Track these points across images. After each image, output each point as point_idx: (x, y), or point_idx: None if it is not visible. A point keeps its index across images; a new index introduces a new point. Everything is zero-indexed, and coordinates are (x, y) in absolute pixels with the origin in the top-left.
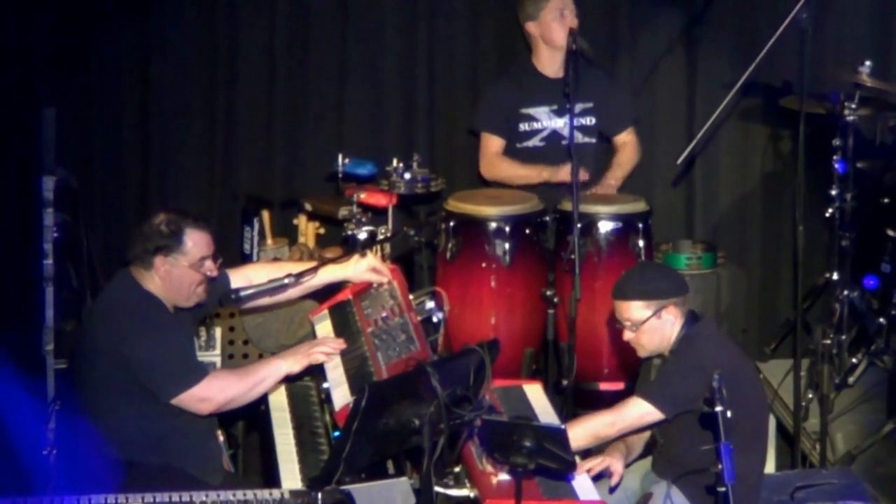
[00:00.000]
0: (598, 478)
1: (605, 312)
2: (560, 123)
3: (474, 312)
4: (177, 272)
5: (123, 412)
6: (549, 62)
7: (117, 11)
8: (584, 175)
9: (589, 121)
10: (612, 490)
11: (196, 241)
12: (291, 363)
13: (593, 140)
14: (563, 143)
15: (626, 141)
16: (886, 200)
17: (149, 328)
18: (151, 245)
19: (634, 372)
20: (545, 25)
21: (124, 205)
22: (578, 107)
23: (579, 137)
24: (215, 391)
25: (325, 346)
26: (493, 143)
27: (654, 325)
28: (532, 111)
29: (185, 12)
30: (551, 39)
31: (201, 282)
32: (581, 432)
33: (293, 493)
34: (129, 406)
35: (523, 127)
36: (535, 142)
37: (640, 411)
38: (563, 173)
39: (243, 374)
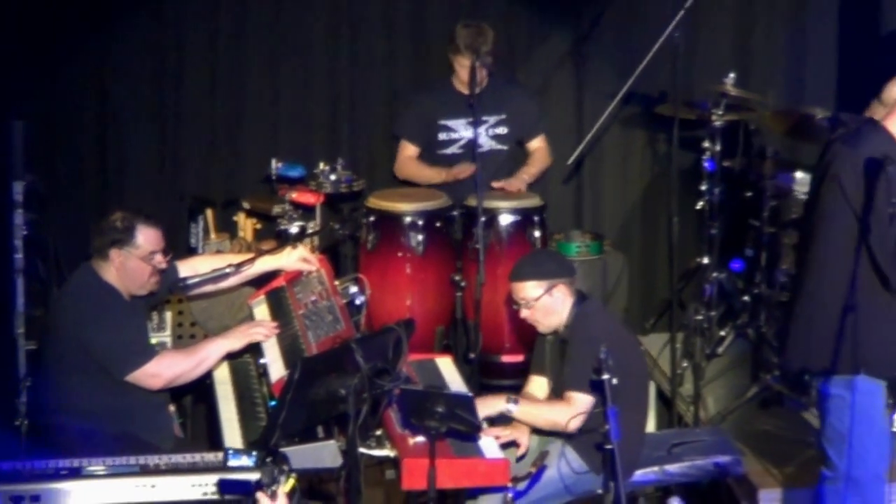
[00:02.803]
0: (506, 448)
1: (506, 294)
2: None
3: (392, 296)
4: (130, 263)
5: (85, 388)
6: (466, 82)
7: (77, 34)
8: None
9: (502, 130)
10: (519, 459)
11: (147, 237)
12: (232, 341)
13: (506, 147)
14: (479, 150)
15: (538, 147)
16: (749, 194)
17: (105, 315)
18: (108, 239)
19: (532, 346)
20: (460, 65)
21: (85, 205)
22: (493, 118)
23: (493, 145)
24: (164, 368)
25: (262, 329)
26: (408, 149)
27: (546, 303)
28: (450, 123)
29: (137, 34)
30: (461, 77)
31: (153, 273)
32: (539, 413)
33: None
34: (90, 382)
35: (442, 136)
36: (453, 149)
37: (585, 402)
38: (456, 171)
39: (189, 353)
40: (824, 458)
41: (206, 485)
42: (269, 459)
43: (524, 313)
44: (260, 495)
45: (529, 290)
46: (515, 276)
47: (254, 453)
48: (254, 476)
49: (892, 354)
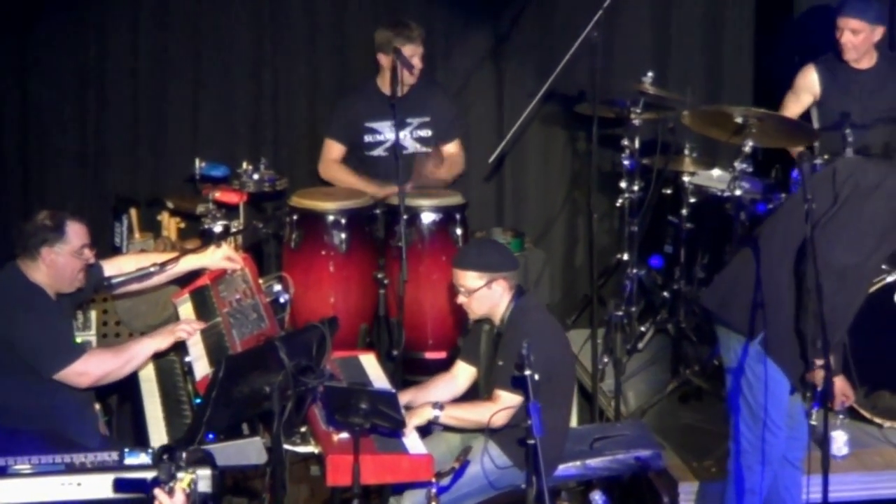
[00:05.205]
0: (427, 433)
1: (429, 291)
2: (399, 136)
3: (316, 294)
4: (61, 260)
5: (10, 387)
6: (401, 70)
7: None
8: (408, 188)
9: (425, 132)
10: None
11: (76, 231)
12: (159, 341)
13: (429, 149)
14: (404, 152)
15: (453, 153)
16: (668, 191)
17: (32, 314)
18: (38, 238)
19: (455, 343)
20: (409, 52)
21: (8, 206)
22: (416, 120)
23: (417, 147)
24: (92, 366)
25: (187, 326)
26: (333, 149)
27: (484, 294)
28: (375, 125)
29: (59, 33)
30: (384, 79)
31: (82, 268)
32: (464, 416)
33: None
34: (16, 381)
35: (368, 138)
36: (378, 151)
37: (512, 400)
38: (386, 191)
39: (117, 352)
40: (733, 429)
41: None
42: (165, 456)
43: (461, 299)
44: (157, 492)
45: (470, 279)
46: (458, 264)
47: (150, 450)
48: (150, 474)
49: (795, 350)
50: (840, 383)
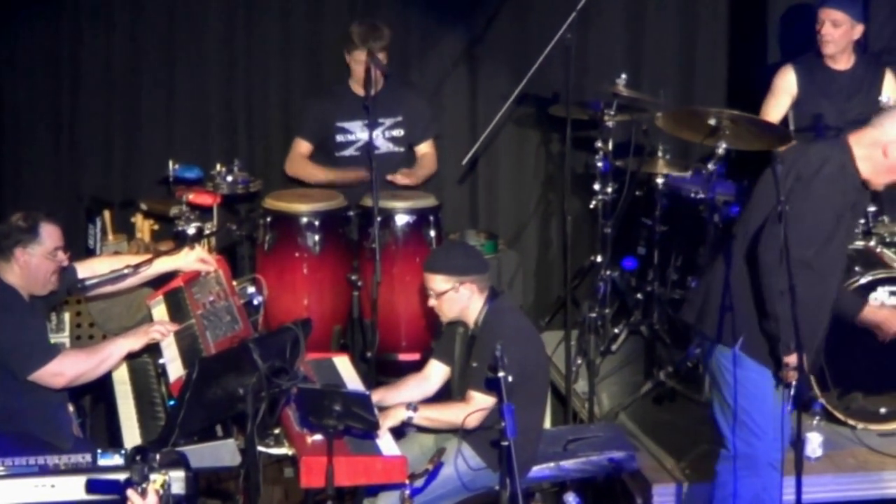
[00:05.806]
0: (400, 435)
1: (402, 293)
2: (371, 135)
3: (289, 295)
4: (34, 261)
5: None
6: (362, 82)
7: None
8: (366, 175)
9: (398, 132)
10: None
11: (50, 233)
12: (133, 341)
13: (402, 149)
14: (376, 152)
15: (426, 153)
16: (640, 193)
17: (6, 315)
18: (12, 239)
19: (428, 345)
20: (355, 61)
21: None
22: (389, 120)
23: (390, 147)
24: (67, 366)
25: (161, 327)
26: (301, 147)
27: (453, 297)
28: (347, 125)
29: (33, 35)
30: (357, 75)
31: (55, 270)
32: (438, 417)
33: None
34: None
35: (340, 138)
36: (350, 151)
37: (485, 401)
38: (349, 175)
39: (91, 352)
40: (719, 436)
41: None
42: (138, 457)
43: (431, 302)
44: (130, 493)
45: (438, 282)
46: (427, 267)
47: (123, 451)
48: (123, 475)
49: (765, 345)
50: (888, 313)
